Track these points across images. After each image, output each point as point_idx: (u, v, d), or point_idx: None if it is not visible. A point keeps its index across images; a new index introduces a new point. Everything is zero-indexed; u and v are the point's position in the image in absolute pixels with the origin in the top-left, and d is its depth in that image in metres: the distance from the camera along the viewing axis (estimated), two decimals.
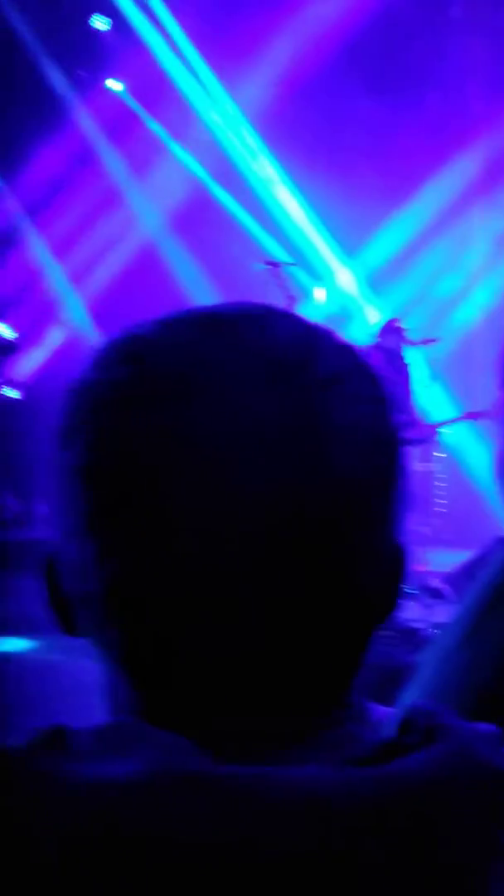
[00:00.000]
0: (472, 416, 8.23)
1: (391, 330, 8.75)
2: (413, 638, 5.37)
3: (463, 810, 0.59)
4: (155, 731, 0.61)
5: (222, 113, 12.47)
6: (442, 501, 11.64)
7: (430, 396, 8.37)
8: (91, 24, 11.68)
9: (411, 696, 1.10)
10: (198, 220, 12.10)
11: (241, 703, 0.63)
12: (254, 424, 0.60)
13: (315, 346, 0.65)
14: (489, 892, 0.58)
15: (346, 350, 0.67)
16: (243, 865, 0.54)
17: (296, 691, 0.65)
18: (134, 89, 12.24)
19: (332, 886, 0.55)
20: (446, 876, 0.58)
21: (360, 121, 11.56)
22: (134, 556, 0.61)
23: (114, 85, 12.18)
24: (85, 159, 11.99)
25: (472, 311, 12.25)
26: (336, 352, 0.66)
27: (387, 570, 0.68)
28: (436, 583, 7.67)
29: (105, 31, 11.78)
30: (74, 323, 12.23)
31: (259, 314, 0.66)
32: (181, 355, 0.62)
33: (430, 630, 5.94)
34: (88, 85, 12.14)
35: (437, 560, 8.57)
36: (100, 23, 11.69)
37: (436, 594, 7.40)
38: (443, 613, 6.42)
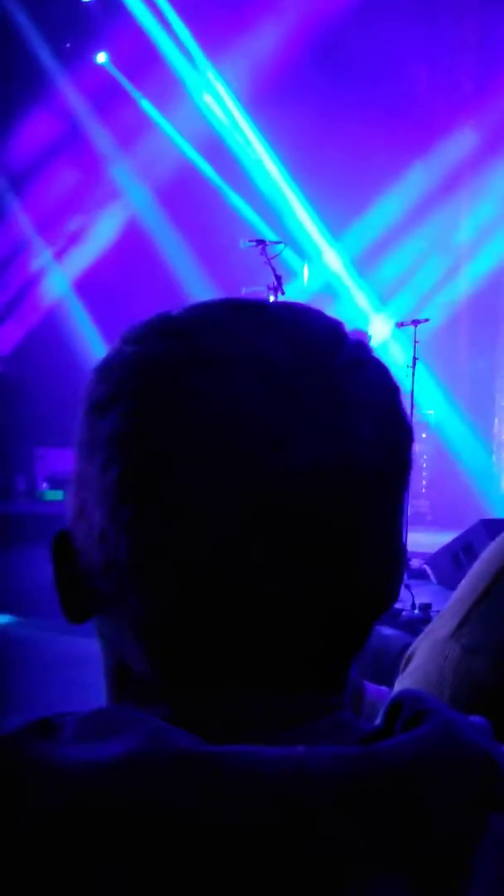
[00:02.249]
0: None
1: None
2: (396, 619, 5.38)
3: (448, 790, 0.59)
4: (142, 715, 0.61)
5: (210, 89, 12.40)
6: (424, 483, 11.73)
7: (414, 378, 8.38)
8: None
9: (404, 684, 1.09)
10: (184, 195, 12.06)
11: (248, 677, 0.64)
12: (289, 399, 0.62)
13: (338, 335, 0.68)
14: (473, 873, 0.58)
15: (362, 342, 0.70)
16: (228, 842, 0.54)
17: (299, 672, 0.65)
18: (121, 63, 12.17)
19: (316, 864, 0.55)
20: (431, 854, 0.57)
21: (350, 99, 11.52)
22: (167, 523, 0.62)
23: (101, 58, 12.10)
24: (71, 133, 11.91)
25: (456, 293, 12.27)
26: (355, 342, 0.69)
27: (395, 557, 0.69)
28: (418, 563, 7.71)
29: (91, 4, 11.65)
30: (58, 297, 12.19)
31: (288, 305, 0.69)
32: (221, 334, 0.64)
33: (413, 611, 5.96)
34: (75, 58, 12.03)
35: (419, 541, 8.62)
36: None
37: (418, 575, 7.45)
38: (425, 594, 6.46)
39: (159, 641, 0.65)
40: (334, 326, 0.69)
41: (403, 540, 0.71)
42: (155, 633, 0.64)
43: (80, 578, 0.67)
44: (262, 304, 0.68)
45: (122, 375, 0.65)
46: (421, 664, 1.09)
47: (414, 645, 1.14)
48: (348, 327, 0.70)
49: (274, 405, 0.62)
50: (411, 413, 8.60)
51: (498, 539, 1.13)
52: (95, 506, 0.65)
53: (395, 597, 0.70)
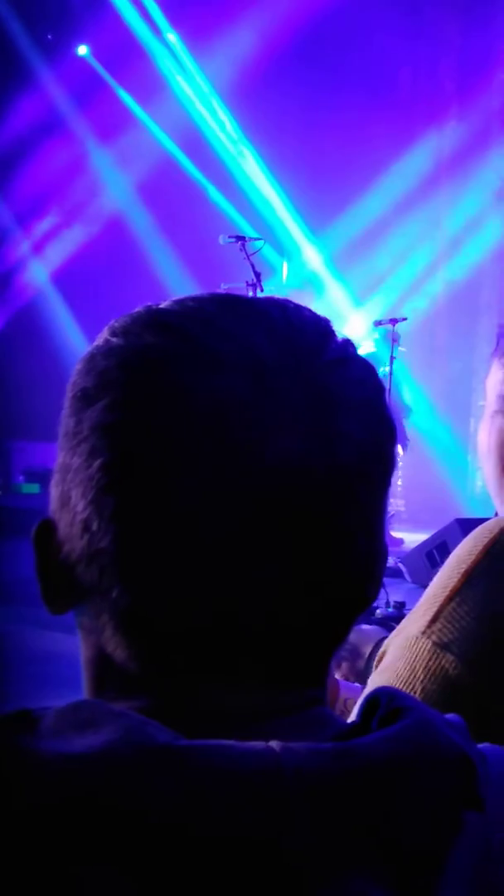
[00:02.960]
0: None
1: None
2: (371, 616, 5.40)
3: (424, 787, 0.59)
4: (120, 709, 0.61)
5: (192, 84, 12.38)
6: (400, 482, 11.76)
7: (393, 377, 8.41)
8: None
9: (376, 681, 1.10)
10: (165, 190, 12.03)
11: (230, 670, 0.65)
12: (273, 395, 0.63)
13: (325, 332, 0.69)
14: (448, 870, 0.58)
15: (349, 341, 0.71)
16: (203, 837, 0.54)
17: (281, 666, 0.66)
18: (103, 56, 12.12)
19: (291, 860, 0.55)
20: (406, 850, 0.58)
21: (331, 97, 11.53)
22: (151, 513, 0.62)
23: (82, 50, 12.06)
24: (51, 125, 11.85)
25: (435, 293, 12.30)
26: (341, 341, 0.70)
27: (377, 553, 0.69)
28: (393, 562, 7.73)
29: None
30: (36, 289, 12.14)
31: (276, 301, 0.70)
32: (208, 328, 0.65)
33: (387, 609, 5.99)
34: (57, 50, 11.98)
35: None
36: None
37: (392, 573, 7.47)
38: (399, 593, 6.49)
39: (142, 633, 0.65)
40: (321, 324, 0.70)
41: (385, 537, 0.71)
42: (138, 624, 0.65)
43: (61, 568, 0.68)
44: (250, 300, 0.69)
45: (108, 366, 0.65)
46: (392, 661, 1.10)
47: (386, 642, 1.15)
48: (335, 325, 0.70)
49: (258, 400, 0.62)
50: None
51: (468, 538, 1.14)
52: (79, 495, 0.65)
53: (376, 593, 0.70)
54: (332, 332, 0.69)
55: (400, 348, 8.71)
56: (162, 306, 0.68)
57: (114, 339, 0.67)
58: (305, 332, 0.67)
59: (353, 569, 0.67)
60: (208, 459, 0.61)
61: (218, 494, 0.61)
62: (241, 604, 0.63)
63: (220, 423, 0.62)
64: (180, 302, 0.68)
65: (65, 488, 0.67)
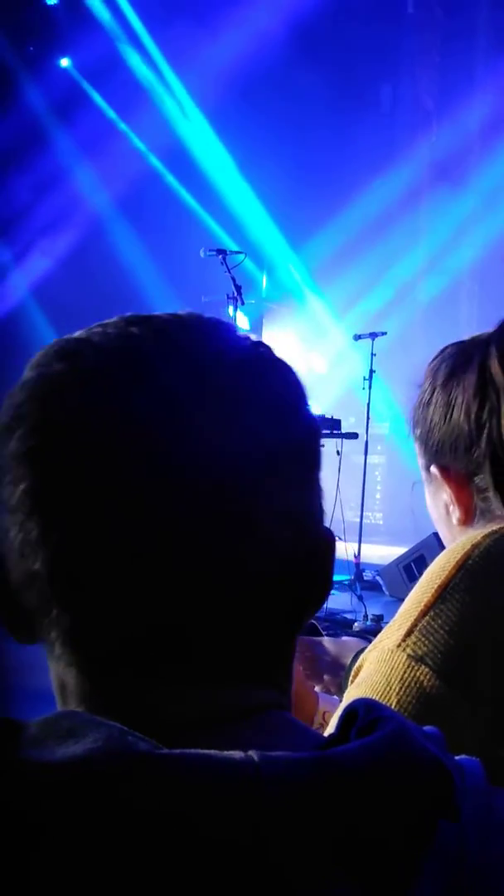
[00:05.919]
0: None
1: None
2: (348, 629, 5.41)
3: (399, 796, 0.60)
4: (101, 719, 0.62)
5: (174, 98, 12.43)
6: (379, 496, 11.79)
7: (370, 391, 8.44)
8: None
9: (352, 694, 1.11)
10: (146, 203, 12.05)
11: (174, 677, 0.66)
12: (172, 404, 0.66)
13: (228, 338, 0.72)
14: (421, 879, 0.59)
15: (261, 343, 0.74)
16: (184, 844, 0.55)
17: (226, 668, 0.68)
18: (86, 68, 12.14)
19: (270, 868, 0.55)
20: (380, 858, 0.58)
21: (311, 112, 11.59)
22: (77, 531, 0.65)
23: (65, 62, 12.08)
24: (33, 136, 11.86)
25: (414, 307, 12.36)
26: (251, 343, 0.73)
27: (308, 552, 0.71)
28: (371, 575, 7.74)
29: (56, 7, 11.61)
30: (17, 302, 12.13)
31: (179, 315, 0.73)
32: (103, 350, 0.69)
33: (365, 622, 6.00)
34: (39, 61, 11.99)
35: (373, 553, 8.66)
36: None
37: (371, 586, 7.48)
38: (377, 606, 6.51)
39: (86, 650, 0.67)
40: (224, 331, 0.72)
41: (329, 537, 0.73)
42: (80, 641, 0.66)
43: (12, 596, 0.70)
44: (152, 316, 0.72)
45: (21, 399, 0.69)
46: (368, 674, 1.11)
47: (363, 656, 1.16)
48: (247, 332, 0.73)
49: (156, 412, 0.65)
50: (366, 425, 8.66)
51: (442, 554, 1.16)
52: (11, 523, 0.68)
53: (320, 592, 0.73)
54: (234, 338, 0.72)
55: None
56: (74, 335, 0.72)
57: (29, 373, 0.70)
58: (208, 341, 0.70)
59: (281, 567, 0.69)
60: (116, 474, 0.64)
61: (130, 506, 0.64)
62: (173, 609, 0.65)
63: (117, 440, 0.65)
64: (89, 328, 0.72)
65: (1, 518, 0.69)
